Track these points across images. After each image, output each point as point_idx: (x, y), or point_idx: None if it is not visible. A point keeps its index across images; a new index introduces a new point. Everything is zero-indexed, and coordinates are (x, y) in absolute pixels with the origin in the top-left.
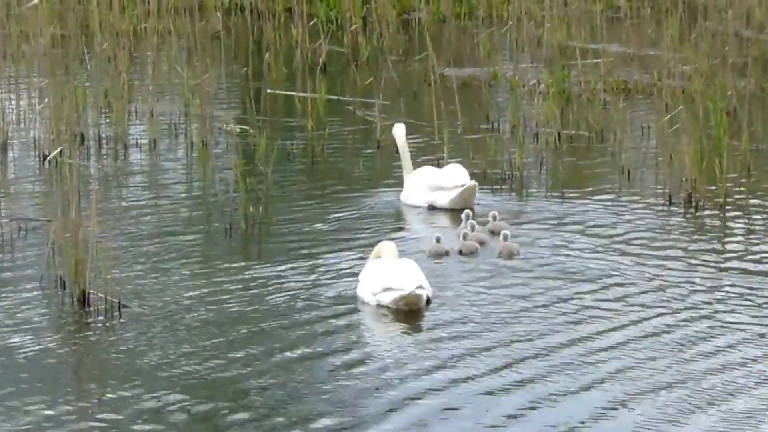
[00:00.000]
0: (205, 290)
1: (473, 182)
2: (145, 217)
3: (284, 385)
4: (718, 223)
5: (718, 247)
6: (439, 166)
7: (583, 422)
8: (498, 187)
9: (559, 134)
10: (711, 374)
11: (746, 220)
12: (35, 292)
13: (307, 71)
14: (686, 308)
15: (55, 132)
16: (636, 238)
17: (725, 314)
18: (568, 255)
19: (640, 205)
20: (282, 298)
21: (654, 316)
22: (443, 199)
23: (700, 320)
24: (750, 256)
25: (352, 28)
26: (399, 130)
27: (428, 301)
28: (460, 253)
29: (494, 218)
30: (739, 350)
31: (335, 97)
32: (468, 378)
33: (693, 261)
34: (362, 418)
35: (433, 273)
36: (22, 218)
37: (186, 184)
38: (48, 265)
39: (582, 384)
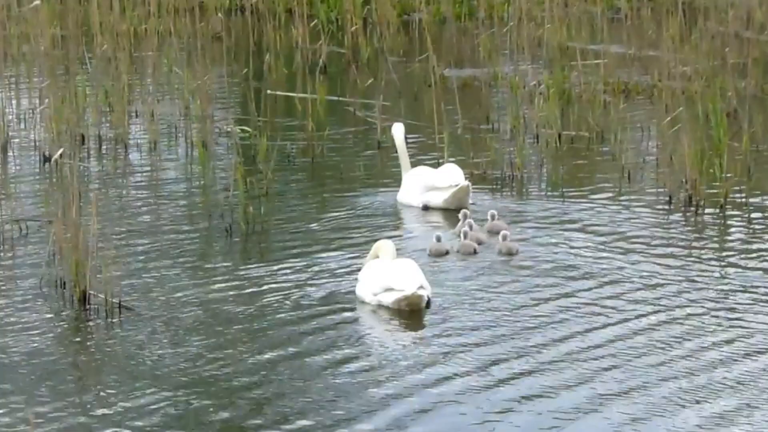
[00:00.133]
0: (205, 290)
1: (466, 182)
2: (146, 217)
3: (285, 385)
4: (718, 223)
5: (718, 247)
6: (438, 166)
7: (582, 421)
8: (498, 187)
9: (559, 135)
10: (710, 373)
11: (746, 221)
12: (36, 293)
13: (308, 72)
14: (686, 308)
15: (56, 133)
16: (636, 239)
17: (725, 315)
18: (567, 254)
19: (640, 206)
20: (282, 298)
21: (653, 316)
22: (437, 199)
23: (700, 320)
24: (750, 257)
25: (353, 29)
26: (397, 130)
27: (428, 302)
28: (458, 252)
29: (492, 218)
30: (739, 351)
31: (335, 98)
32: (467, 377)
33: (693, 261)
34: (361, 418)
35: (433, 272)
36: (23, 219)
37: (186, 185)
38: (48, 266)
39: (581, 384)
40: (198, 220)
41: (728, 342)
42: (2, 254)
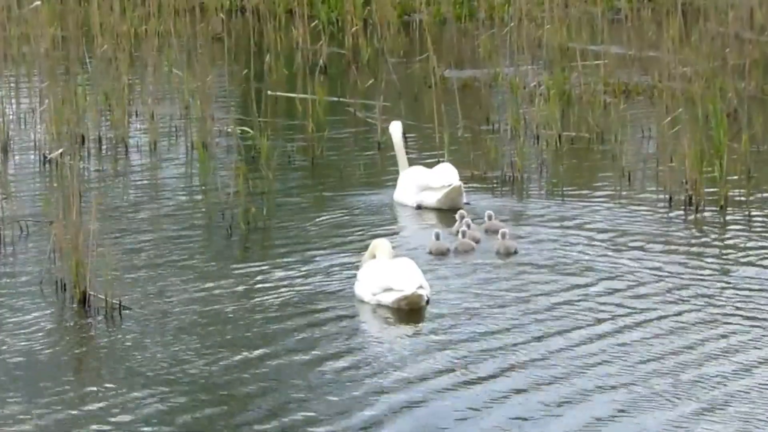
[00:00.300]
0: (206, 291)
1: (458, 183)
2: (146, 218)
3: (285, 385)
4: (718, 224)
5: (718, 248)
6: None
7: (579, 419)
8: (498, 187)
9: (559, 136)
10: (710, 373)
11: (746, 222)
12: (36, 293)
13: (308, 73)
14: (685, 309)
15: (56, 133)
16: (636, 239)
17: (725, 315)
18: (567, 254)
19: (640, 207)
20: (282, 298)
21: (653, 317)
22: (431, 199)
23: (700, 321)
24: (750, 257)
25: (353, 29)
26: (395, 128)
27: (428, 301)
28: (456, 250)
29: (490, 218)
30: (739, 351)
31: (336, 99)
32: (466, 376)
33: (693, 262)
34: (360, 417)
35: (432, 271)
36: (23, 219)
37: (186, 186)
38: (48, 267)
39: (580, 384)
40: (198, 220)
41: (727, 342)
42: (2, 254)
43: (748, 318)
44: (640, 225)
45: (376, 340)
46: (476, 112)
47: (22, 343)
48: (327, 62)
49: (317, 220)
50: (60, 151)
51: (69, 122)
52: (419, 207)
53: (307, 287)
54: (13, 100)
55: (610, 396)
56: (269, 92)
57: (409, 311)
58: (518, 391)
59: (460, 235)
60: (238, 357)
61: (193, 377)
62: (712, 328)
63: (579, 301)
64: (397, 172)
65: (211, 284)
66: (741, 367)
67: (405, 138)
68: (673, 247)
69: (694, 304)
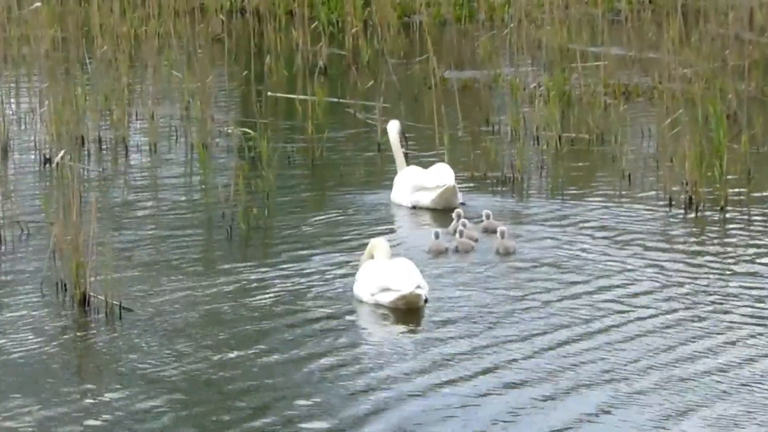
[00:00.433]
0: (206, 292)
1: (452, 183)
2: (146, 219)
3: (286, 385)
4: (718, 225)
5: (718, 248)
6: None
7: (577, 419)
8: (498, 189)
9: (559, 137)
10: (709, 374)
11: (746, 223)
12: (36, 295)
13: (308, 74)
14: (685, 309)
15: (56, 134)
16: (636, 240)
17: (725, 315)
18: (566, 254)
19: (640, 208)
20: (282, 299)
21: (652, 317)
22: (425, 199)
23: (700, 321)
24: (749, 258)
25: (353, 30)
26: (392, 127)
27: (426, 301)
28: (456, 250)
29: (488, 217)
30: (739, 352)
31: (336, 100)
32: (464, 375)
33: (692, 262)
34: (358, 416)
35: (430, 271)
36: (24, 220)
37: (186, 187)
38: (49, 268)
39: (579, 383)
40: (198, 221)
41: (727, 342)
42: (3, 255)
43: (748, 318)
44: (640, 225)
45: (374, 340)
46: (476, 113)
47: (23, 344)
48: (327, 63)
49: (317, 220)
50: (62, 153)
51: (69, 123)
52: (414, 207)
53: (306, 287)
54: (13, 101)
55: (609, 395)
56: (269, 93)
57: (407, 311)
58: (517, 391)
59: (458, 235)
60: (238, 357)
61: (193, 377)
62: (712, 328)
63: (579, 301)
64: (396, 173)
65: (210, 284)
66: (741, 367)
67: (405, 138)
68: (673, 247)
69: (694, 304)
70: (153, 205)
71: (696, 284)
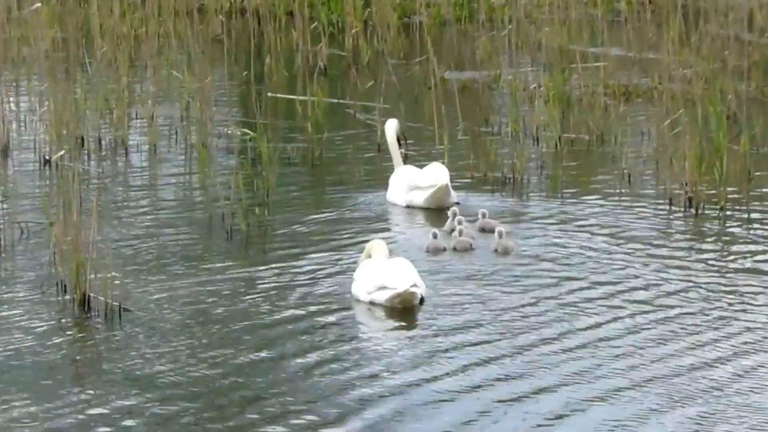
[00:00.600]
0: (206, 292)
1: (445, 182)
2: (146, 220)
3: (286, 385)
4: (717, 225)
5: (718, 249)
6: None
7: (575, 418)
8: (498, 189)
9: (559, 137)
10: (708, 373)
11: (746, 223)
12: (36, 295)
13: (308, 74)
14: (685, 309)
15: (56, 135)
16: (636, 241)
17: (725, 315)
18: (565, 254)
19: (640, 208)
20: (282, 299)
21: (652, 317)
22: (419, 199)
23: (700, 321)
24: (749, 259)
25: (353, 31)
26: (389, 126)
27: (422, 300)
28: (454, 249)
29: (483, 215)
30: (738, 351)
31: (336, 101)
32: (461, 375)
33: (692, 263)
34: (356, 416)
35: (429, 270)
36: (23, 221)
37: (186, 187)
38: (49, 268)
39: (577, 383)
40: (198, 222)
41: (727, 343)
42: (3, 256)
43: (748, 318)
44: (639, 226)
45: (369, 338)
46: (476, 114)
47: (23, 344)
48: (327, 64)
49: (316, 220)
50: (61, 152)
51: (69, 124)
52: (409, 206)
53: (305, 287)
54: (13, 101)
55: (609, 395)
56: (269, 94)
57: (403, 309)
58: (510, 386)
59: (456, 234)
60: (238, 357)
61: (194, 378)
62: (711, 328)
63: (578, 301)
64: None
65: (211, 285)
66: (741, 367)
67: (404, 138)
68: (673, 248)
69: (694, 305)
70: (153, 205)
71: (696, 284)
